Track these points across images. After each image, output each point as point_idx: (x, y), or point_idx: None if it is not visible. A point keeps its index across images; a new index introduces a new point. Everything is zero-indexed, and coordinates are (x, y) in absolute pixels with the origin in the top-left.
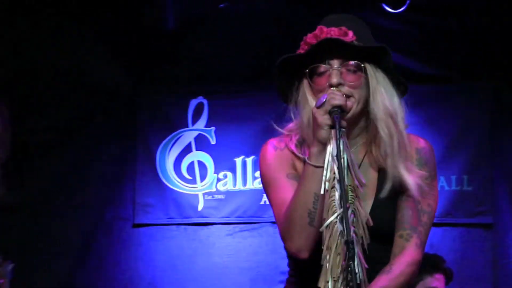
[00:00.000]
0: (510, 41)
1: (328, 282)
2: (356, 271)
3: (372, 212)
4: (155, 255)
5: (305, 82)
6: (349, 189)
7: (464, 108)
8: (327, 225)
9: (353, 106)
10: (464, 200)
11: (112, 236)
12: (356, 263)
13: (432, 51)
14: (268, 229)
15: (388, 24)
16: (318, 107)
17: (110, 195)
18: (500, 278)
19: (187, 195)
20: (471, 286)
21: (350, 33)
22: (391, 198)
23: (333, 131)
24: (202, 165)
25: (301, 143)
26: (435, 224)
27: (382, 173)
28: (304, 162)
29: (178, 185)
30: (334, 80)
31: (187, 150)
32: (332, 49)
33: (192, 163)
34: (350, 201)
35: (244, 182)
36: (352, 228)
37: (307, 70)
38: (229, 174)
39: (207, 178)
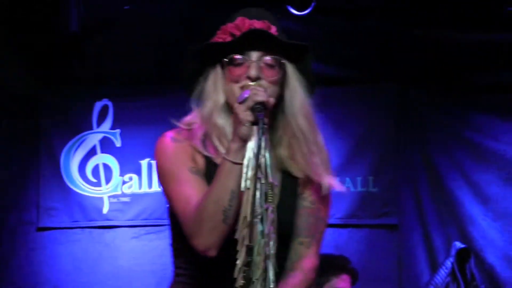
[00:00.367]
0: (414, 43)
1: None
2: (256, 277)
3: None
4: (60, 258)
5: (218, 72)
6: (269, 188)
7: (369, 109)
8: (247, 225)
9: (273, 100)
10: (370, 202)
11: (16, 240)
12: (261, 269)
13: (337, 53)
14: None
15: (292, 26)
16: (240, 102)
17: (14, 199)
18: (405, 278)
19: (92, 198)
20: (377, 286)
21: (274, 28)
22: (293, 201)
23: (255, 128)
24: (107, 167)
25: (205, 138)
26: (341, 226)
27: (285, 174)
28: (213, 159)
29: (83, 188)
30: (253, 72)
31: (92, 152)
32: (253, 41)
33: (97, 166)
34: (269, 200)
35: (150, 184)
36: (271, 228)
37: (226, 60)
38: (134, 176)
39: (112, 180)
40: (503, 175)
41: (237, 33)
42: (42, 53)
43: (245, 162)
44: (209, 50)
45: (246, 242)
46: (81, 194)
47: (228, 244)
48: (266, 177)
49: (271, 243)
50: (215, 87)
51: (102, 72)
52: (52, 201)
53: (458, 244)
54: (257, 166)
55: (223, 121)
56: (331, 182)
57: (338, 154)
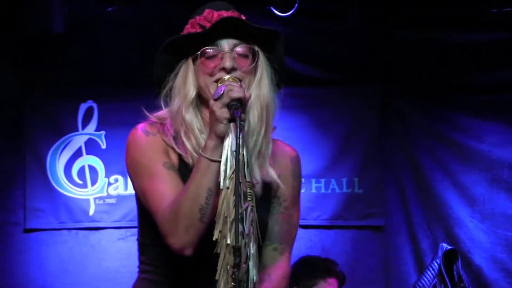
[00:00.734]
0: (397, 45)
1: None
2: (240, 278)
3: None
4: (46, 260)
5: (190, 65)
6: (249, 187)
7: (353, 111)
8: (226, 225)
9: (249, 94)
10: (355, 203)
11: (2, 242)
12: (243, 270)
13: (320, 54)
14: None
15: (276, 27)
16: (216, 99)
17: (0, 200)
18: (391, 279)
19: (78, 200)
20: None
21: (243, 17)
22: (268, 202)
23: (232, 125)
24: (92, 169)
25: (176, 135)
26: (327, 227)
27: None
28: (188, 156)
29: (69, 190)
30: (228, 64)
31: (77, 154)
32: (225, 30)
33: (82, 168)
34: (249, 199)
35: None
36: (251, 228)
37: (199, 52)
38: (120, 178)
39: (98, 182)
40: (489, 176)
41: (207, 24)
42: (27, 55)
43: (223, 160)
44: (179, 43)
45: (227, 242)
46: (67, 196)
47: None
48: (244, 175)
49: (251, 243)
50: (185, 82)
51: (87, 74)
52: (38, 203)
53: (445, 246)
54: (236, 164)
55: (190, 117)
56: (291, 191)
57: (323, 156)
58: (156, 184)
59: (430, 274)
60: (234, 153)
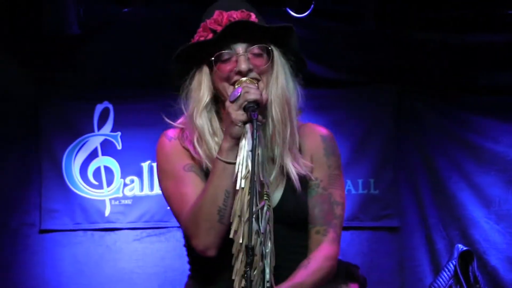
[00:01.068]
0: (414, 46)
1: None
2: (252, 278)
3: (281, 203)
4: (62, 261)
5: (205, 70)
6: (265, 186)
7: (368, 112)
8: (240, 224)
9: (266, 95)
10: (371, 204)
11: (19, 243)
12: (259, 269)
13: (336, 55)
14: (175, 233)
15: None
16: (232, 101)
17: (16, 202)
18: (407, 280)
19: (93, 201)
20: None
21: (253, 15)
22: (295, 195)
23: (249, 126)
24: (108, 170)
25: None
26: (343, 228)
27: (282, 168)
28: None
29: (85, 191)
30: (243, 66)
31: (93, 155)
32: (236, 33)
33: (98, 168)
34: (265, 198)
35: (151, 187)
36: (267, 227)
37: (213, 58)
38: (136, 179)
39: (113, 183)
40: (505, 178)
41: (218, 28)
42: (43, 56)
43: (239, 160)
44: (193, 51)
45: (243, 241)
46: (83, 197)
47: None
48: (260, 175)
49: (268, 242)
50: (199, 87)
51: (103, 75)
52: (54, 204)
53: (461, 247)
54: (252, 165)
55: (202, 122)
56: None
57: None
58: (178, 188)
59: (446, 275)
60: (250, 153)
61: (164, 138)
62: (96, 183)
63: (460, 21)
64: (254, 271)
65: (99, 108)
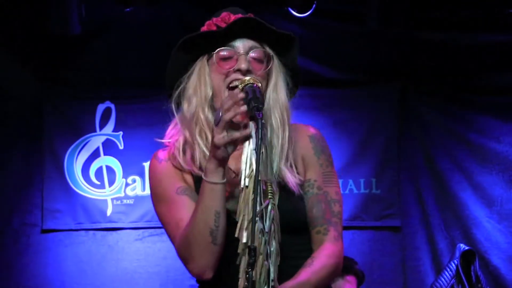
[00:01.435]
0: (416, 45)
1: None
2: (254, 278)
3: (278, 208)
4: (64, 260)
5: (204, 66)
6: (269, 184)
7: (371, 111)
8: (246, 224)
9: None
10: (373, 203)
11: (21, 242)
12: (257, 271)
13: (338, 55)
14: None
15: (294, 28)
16: (216, 124)
17: (18, 201)
18: (409, 280)
19: (95, 200)
20: None
21: (259, 20)
22: (292, 196)
23: (252, 125)
24: (110, 170)
25: (185, 148)
26: (344, 228)
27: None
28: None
29: (87, 190)
30: (243, 65)
31: (95, 155)
32: (240, 33)
33: (100, 168)
34: (269, 197)
35: None
36: (272, 226)
37: (214, 52)
38: (137, 178)
39: (115, 183)
40: (507, 177)
41: (223, 25)
42: (45, 56)
43: (243, 159)
44: (195, 42)
45: (248, 241)
46: (84, 196)
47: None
48: (267, 173)
49: (273, 241)
50: (202, 82)
51: (105, 75)
52: (56, 203)
53: (463, 246)
54: (257, 163)
55: (209, 115)
56: (317, 172)
57: (340, 156)
58: (171, 212)
59: (448, 275)
60: (254, 151)
61: (155, 161)
62: (98, 182)
63: (463, 21)
64: (261, 269)
65: (101, 107)
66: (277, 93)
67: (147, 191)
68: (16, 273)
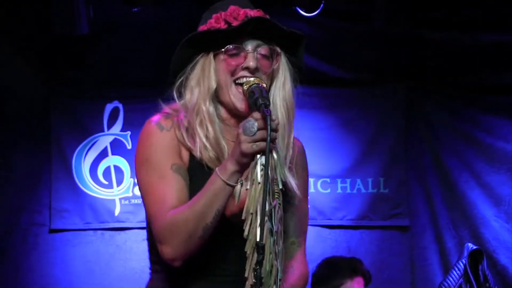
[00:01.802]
0: (423, 45)
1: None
2: (263, 275)
3: None
4: (72, 260)
5: (210, 60)
6: (276, 184)
7: (378, 111)
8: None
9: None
10: (381, 203)
11: (28, 242)
12: (264, 268)
13: (346, 54)
14: None
15: (301, 27)
16: (245, 134)
17: (26, 201)
18: (417, 279)
19: (103, 200)
20: None
21: (268, 16)
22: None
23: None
24: (118, 169)
25: (188, 128)
26: (352, 227)
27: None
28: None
29: (95, 190)
30: (252, 63)
31: (103, 154)
32: (249, 30)
33: (108, 168)
34: (276, 197)
35: None
36: (278, 226)
37: (223, 49)
38: None
39: (123, 182)
40: None
41: (233, 21)
42: (53, 56)
43: (256, 158)
44: (203, 39)
45: (257, 239)
46: (92, 196)
47: (219, 241)
48: (277, 172)
49: (280, 241)
50: (206, 74)
51: (113, 74)
52: (64, 203)
53: (471, 245)
54: (266, 162)
55: (212, 109)
56: (302, 184)
57: (348, 156)
58: (160, 186)
59: (456, 274)
60: (266, 151)
61: (155, 126)
62: (106, 182)
63: (470, 20)
64: (271, 269)
65: (109, 107)
66: (285, 92)
67: None
68: (24, 273)
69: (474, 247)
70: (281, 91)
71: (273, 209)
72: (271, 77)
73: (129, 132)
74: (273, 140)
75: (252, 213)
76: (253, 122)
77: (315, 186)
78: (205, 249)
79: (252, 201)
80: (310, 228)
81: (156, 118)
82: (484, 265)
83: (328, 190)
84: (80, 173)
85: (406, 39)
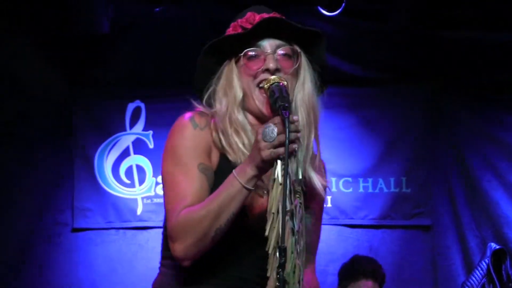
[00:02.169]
0: (447, 44)
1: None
2: (286, 278)
3: None
4: (95, 259)
5: (233, 68)
6: (297, 184)
7: (401, 110)
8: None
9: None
10: (403, 202)
11: (51, 241)
12: (288, 271)
13: (367, 54)
14: None
15: (323, 26)
16: (265, 140)
17: (48, 200)
18: (439, 279)
19: (126, 199)
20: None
21: (284, 18)
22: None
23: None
24: (140, 169)
25: (224, 132)
26: (374, 226)
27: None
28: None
29: (117, 189)
30: (271, 65)
31: (125, 154)
32: (266, 32)
33: (130, 167)
34: (297, 196)
35: None
36: (300, 225)
37: (241, 54)
38: None
39: (145, 182)
40: None
41: (248, 26)
42: (75, 56)
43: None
44: (221, 46)
45: (277, 240)
46: (115, 195)
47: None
48: (298, 173)
49: (302, 241)
50: (231, 84)
51: (134, 74)
52: (86, 202)
53: (494, 245)
54: (286, 163)
55: (241, 118)
56: (323, 183)
57: (370, 155)
58: (184, 182)
59: (479, 274)
60: (286, 150)
61: (189, 123)
62: (128, 181)
63: (493, 18)
64: (294, 269)
65: (131, 107)
66: (304, 92)
67: None
68: (47, 272)
69: (497, 247)
70: (301, 92)
71: (294, 209)
72: (296, 78)
73: (151, 132)
74: (294, 141)
75: (273, 213)
76: (273, 128)
77: (337, 186)
78: (216, 251)
79: (273, 201)
80: (332, 228)
81: (190, 114)
82: (508, 265)
83: (350, 190)
84: (103, 172)
85: (428, 38)
